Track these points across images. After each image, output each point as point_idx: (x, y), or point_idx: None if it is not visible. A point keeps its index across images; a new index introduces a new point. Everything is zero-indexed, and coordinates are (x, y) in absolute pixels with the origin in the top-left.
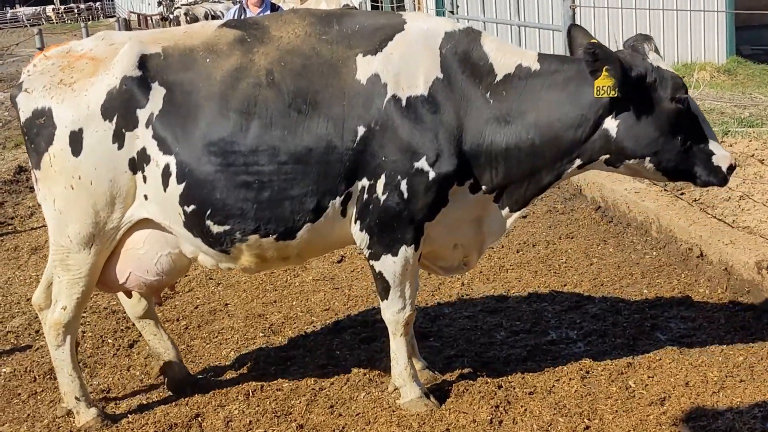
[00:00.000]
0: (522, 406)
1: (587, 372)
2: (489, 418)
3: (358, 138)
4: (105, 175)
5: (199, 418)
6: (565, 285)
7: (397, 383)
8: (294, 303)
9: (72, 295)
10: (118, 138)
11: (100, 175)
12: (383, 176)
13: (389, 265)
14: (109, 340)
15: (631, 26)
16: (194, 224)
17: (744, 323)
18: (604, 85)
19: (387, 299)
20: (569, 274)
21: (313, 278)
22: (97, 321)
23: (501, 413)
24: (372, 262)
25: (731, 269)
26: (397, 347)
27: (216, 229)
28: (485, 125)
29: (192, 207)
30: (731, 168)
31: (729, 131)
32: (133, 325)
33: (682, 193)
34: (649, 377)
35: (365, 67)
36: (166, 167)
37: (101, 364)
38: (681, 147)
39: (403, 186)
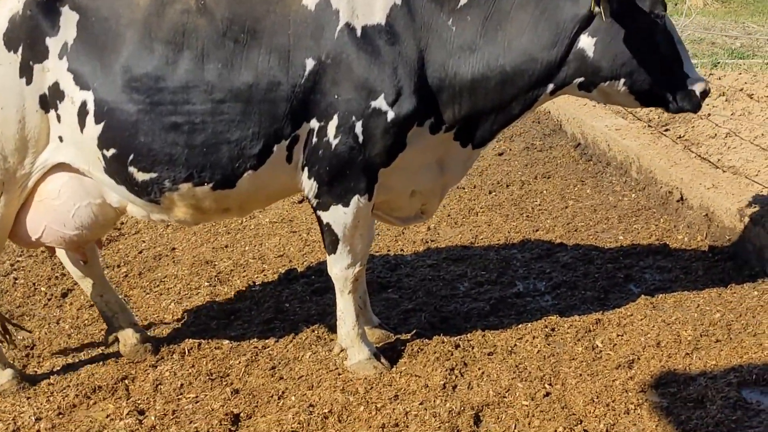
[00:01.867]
0: (479, 369)
1: (552, 329)
2: (442, 382)
3: (307, 73)
4: (13, 115)
5: (126, 381)
6: (537, 230)
7: (344, 344)
8: (246, 248)
9: None
10: (26, 72)
11: (7, 116)
12: (335, 117)
13: (339, 217)
14: (42, 288)
15: None
16: (116, 170)
17: (723, 275)
18: None
19: (335, 254)
20: (542, 217)
21: (270, 220)
22: (32, 266)
23: (456, 377)
24: (320, 213)
25: (712, 215)
26: (345, 305)
27: (141, 176)
28: (448, 56)
29: (113, 151)
30: (705, 93)
31: (719, 63)
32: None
33: (666, 130)
34: (618, 336)
35: None
36: (83, 105)
37: (30, 316)
38: (656, 67)
39: (358, 128)
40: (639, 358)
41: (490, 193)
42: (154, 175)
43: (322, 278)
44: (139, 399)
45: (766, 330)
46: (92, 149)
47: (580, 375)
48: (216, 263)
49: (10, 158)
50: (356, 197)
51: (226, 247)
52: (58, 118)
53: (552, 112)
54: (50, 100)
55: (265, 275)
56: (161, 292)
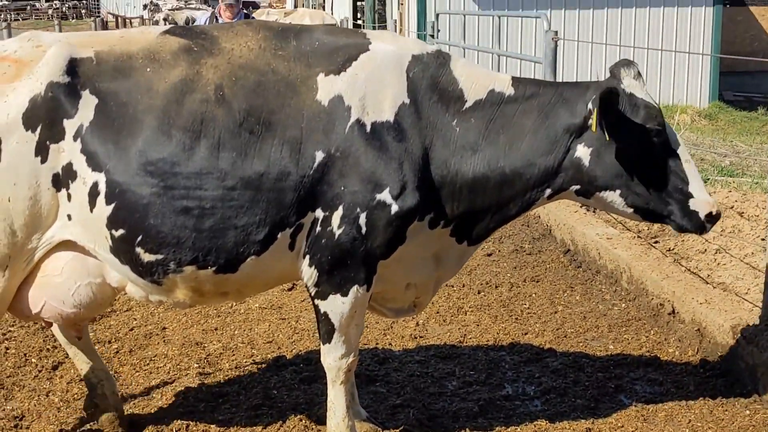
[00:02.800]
0: None
1: None
2: None
3: (316, 164)
4: (25, 191)
5: None
6: (526, 333)
7: None
8: (236, 332)
9: None
10: (42, 151)
11: (20, 192)
12: (340, 208)
13: (337, 306)
14: (33, 360)
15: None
16: (123, 250)
17: (714, 391)
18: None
19: (329, 343)
20: (531, 321)
21: (259, 306)
22: (24, 337)
23: None
24: (318, 302)
25: (704, 330)
26: (336, 396)
27: (147, 257)
28: (451, 155)
29: (121, 231)
30: (712, 216)
31: (708, 179)
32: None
33: (656, 242)
34: None
35: (328, 87)
36: (94, 185)
37: (20, 386)
38: (653, 183)
39: (362, 219)
40: None
41: (478, 293)
42: (160, 256)
43: (311, 366)
44: None
45: None
46: (100, 229)
47: None
48: (206, 345)
49: (18, 233)
50: (355, 287)
51: (216, 329)
52: (69, 197)
53: (542, 216)
54: (62, 179)
55: (254, 360)
56: (151, 371)
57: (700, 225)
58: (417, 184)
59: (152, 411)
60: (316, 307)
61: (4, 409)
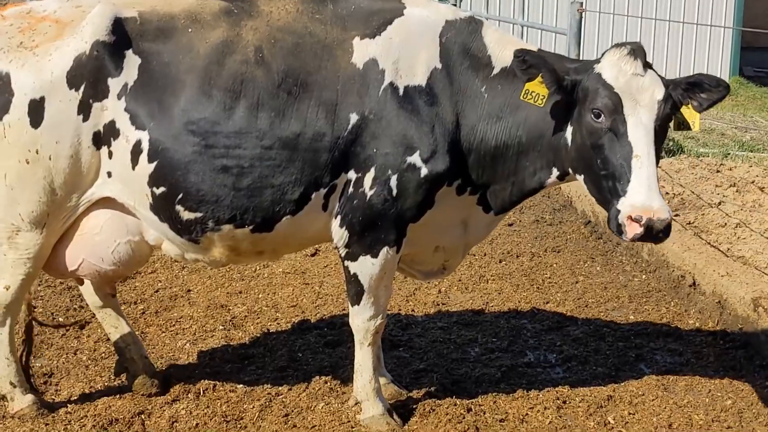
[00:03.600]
0: None
1: (564, 402)
2: None
3: (350, 126)
4: (67, 149)
5: (143, 416)
6: (547, 302)
7: (359, 397)
8: (260, 296)
9: (17, 275)
10: (84, 109)
11: (61, 150)
12: (372, 170)
13: (367, 268)
14: (60, 319)
15: (636, 34)
16: (163, 208)
17: (734, 363)
18: (534, 90)
19: (358, 305)
20: (553, 290)
21: (283, 270)
22: (50, 296)
23: None
24: (347, 263)
25: (725, 302)
26: (363, 358)
27: (187, 215)
28: (479, 121)
29: (162, 189)
30: (632, 220)
31: (729, 154)
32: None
33: (677, 215)
34: (630, 414)
35: (363, 50)
36: (137, 144)
37: (48, 345)
38: (598, 172)
39: (393, 181)
40: None
41: (500, 262)
42: (199, 214)
43: (335, 331)
44: None
45: None
46: (142, 186)
47: None
48: (230, 308)
49: (58, 191)
50: (385, 249)
51: (240, 293)
52: (110, 154)
53: (563, 188)
54: (104, 137)
55: (278, 323)
56: (177, 332)
57: (616, 227)
58: (447, 148)
59: (179, 371)
60: (345, 268)
61: (33, 367)
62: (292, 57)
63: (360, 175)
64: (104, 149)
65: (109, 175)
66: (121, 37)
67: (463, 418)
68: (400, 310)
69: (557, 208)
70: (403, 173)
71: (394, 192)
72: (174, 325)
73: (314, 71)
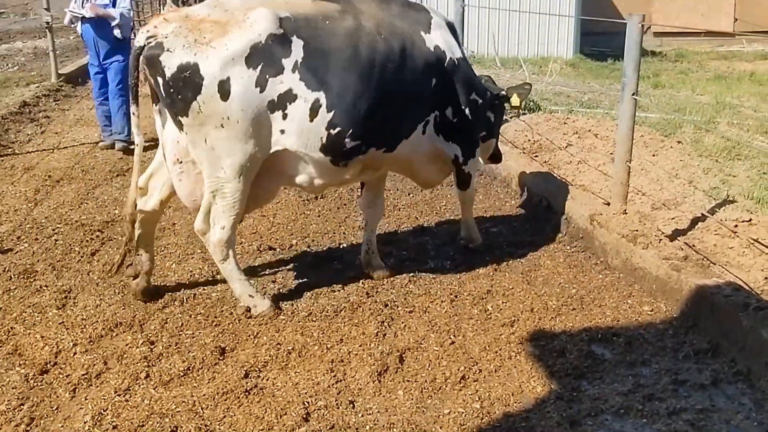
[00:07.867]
0: (402, 323)
1: (455, 296)
2: (376, 331)
3: (434, 83)
4: (249, 114)
5: (141, 319)
6: (444, 224)
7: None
8: None
9: (229, 217)
10: (261, 83)
11: (245, 115)
12: (450, 107)
13: (471, 166)
14: (76, 248)
15: (506, 25)
16: (333, 143)
17: (577, 263)
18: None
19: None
20: (447, 214)
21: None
22: (68, 232)
23: (385, 328)
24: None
25: (570, 218)
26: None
27: (350, 144)
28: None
29: (337, 129)
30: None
31: (572, 110)
32: (97, 235)
33: (536, 156)
34: (503, 303)
35: (429, 39)
36: (316, 101)
37: (67, 269)
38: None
39: (467, 111)
40: (518, 320)
41: (408, 194)
42: (358, 143)
43: (285, 251)
44: (150, 333)
45: (608, 303)
46: (318, 133)
47: (476, 330)
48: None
49: (248, 145)
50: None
51: None
52: (284, 116)
53: None
54: (277, 103)
55: (242, 246)
56: (165, 256)
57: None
58: (482, 87)
59: (168, 286)
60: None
61: (55, 285)
62: (396, 37)
63: (440, 112)
64: (277, 113)
65: (282, 132)
66: (285, 29)
67: (382, 311)
68: (334, 233)
69: None
70: (470, 104)
71: (469, 117)
72: (163, 251)
73: (409, 48)
